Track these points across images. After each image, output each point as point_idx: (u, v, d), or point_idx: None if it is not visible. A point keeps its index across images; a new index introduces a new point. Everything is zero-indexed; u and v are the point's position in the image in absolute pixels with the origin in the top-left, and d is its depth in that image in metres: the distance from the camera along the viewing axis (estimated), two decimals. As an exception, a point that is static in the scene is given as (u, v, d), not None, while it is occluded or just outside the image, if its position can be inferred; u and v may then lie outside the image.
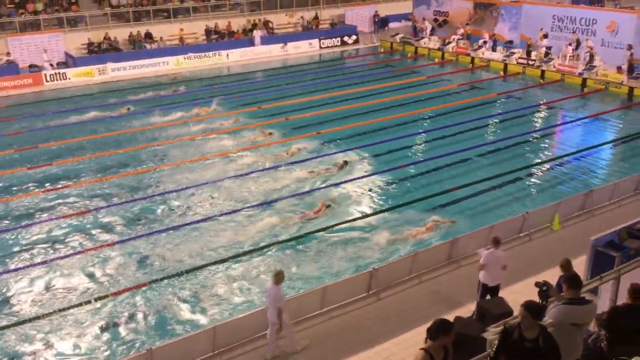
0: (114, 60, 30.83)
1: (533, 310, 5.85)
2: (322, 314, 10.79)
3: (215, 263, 12.82)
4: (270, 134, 20.85)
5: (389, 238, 13.44)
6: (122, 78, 30.03)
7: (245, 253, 13.24)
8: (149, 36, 33.17)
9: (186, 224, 14.51)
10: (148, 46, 32.83)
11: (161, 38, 33.27)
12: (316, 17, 38.03)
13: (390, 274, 11.54)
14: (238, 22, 36.01)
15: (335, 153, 18.85)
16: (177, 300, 11.63)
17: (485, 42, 31.74)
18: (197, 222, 14.61)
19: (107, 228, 14.58)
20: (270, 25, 36.36)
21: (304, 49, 35.81)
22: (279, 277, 9.46)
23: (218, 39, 34.63)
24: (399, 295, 11.41)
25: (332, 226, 14.16)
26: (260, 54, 34.37)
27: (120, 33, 32.79)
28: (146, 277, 12.40)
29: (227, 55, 33.45)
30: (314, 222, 14.48)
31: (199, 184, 16.76)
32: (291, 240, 13.64)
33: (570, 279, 6.28)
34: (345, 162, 17.74)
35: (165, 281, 12.18)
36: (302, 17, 37.75)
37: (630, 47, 25.73)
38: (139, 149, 19.84)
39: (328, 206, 14.98)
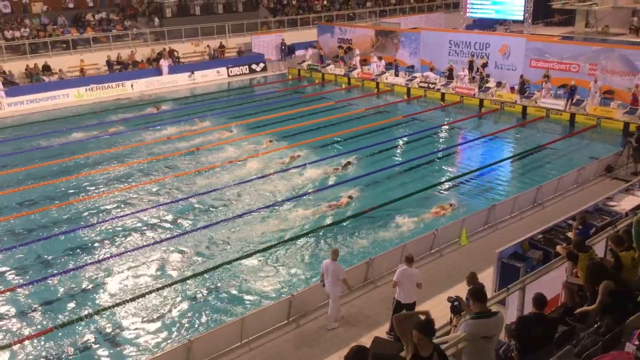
0: (10, 95, 29.24)
1: (426, 330, 5.95)
2: (242, 346, 10.57)
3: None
4: (270, 141, 22.57)
5: None
6: (19, 112, 28.51)
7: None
8: (47, 68, 31.74)
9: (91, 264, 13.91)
10: (46, 79, 31.40)
11: (60, 70, 31.96)
12: (222, 46, 37.93)
13: (309, 299, 11.54)
14: (142, 52, 35.28)
15: (249, 180, 18.78)
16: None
17: (380, 59, 33.58)
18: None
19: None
20: (176, 54, 35.91)
21: (212, 78, 35.60)
22: (336, 254, 11.05)
23: (121, 69, 33.73)
24: (319, 320, 11.39)
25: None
26: (167, 84, 33.79)
27: (16, 66, 31.14)
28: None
29: (132, 85, 32.63)
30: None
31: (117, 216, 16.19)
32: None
33: (475, 293, 6.44)
34: (349, 163, 19.91)
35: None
36: (208, 46, 37.57)
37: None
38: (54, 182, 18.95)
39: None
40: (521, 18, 36.87)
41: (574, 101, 25.11)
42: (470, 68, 29.82)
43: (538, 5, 39.79)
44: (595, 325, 7.14)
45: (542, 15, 44.48)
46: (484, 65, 29.42)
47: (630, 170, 18.28)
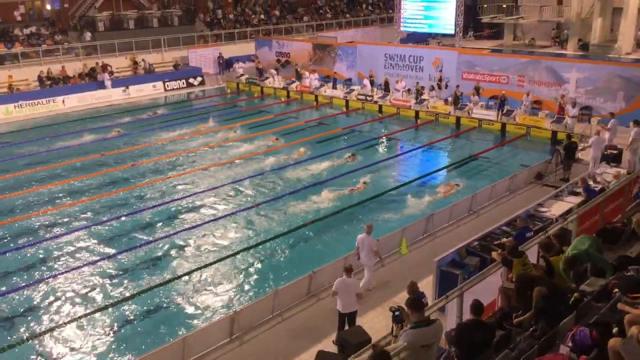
0: None
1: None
2: (184, 367, 10.37)
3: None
4: (277, 139, 24.31)
5: None
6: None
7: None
8: (-29, 85, 30.43)
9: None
10: (-29, 95, 30.07)
11: (-14, 87, 30.71)
12: (135, 63, 36.94)
13: (252, 316, 11.44)
14: (74, 67, 34.26)
15: (191, 195, 18.51)
16: None
17: (313, 72, 34.14)
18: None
19: None
20: (109, 68, 35.03)
21: (148, 92, 34.93)
22: (370, 228, 12.49)
23: (52, 85, 32.62)
24: (263, 336, 11.31)
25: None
26: (101, 99, 32.90)
27: (-61, 82, 29.77)
28: None
29: (63, 101, 31.59)
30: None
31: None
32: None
33: (412, 303, 6.53)
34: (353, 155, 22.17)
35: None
36: (143, 60, 36.88)
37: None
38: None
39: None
40: (452, 32, 38.14)
41: (504, 112, 26.06)
42: (440, 86, 30.15)
43: (468, 20, 41.27)
44: (531, 329, 7.39)
45: (473, 29, 46.09)
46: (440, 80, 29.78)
47: (559, 177, 19.09)
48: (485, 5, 43.82)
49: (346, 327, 10.64)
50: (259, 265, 14.28)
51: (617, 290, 7.60)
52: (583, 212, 12.14)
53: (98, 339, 11.47)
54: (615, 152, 19.34)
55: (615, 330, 6.25)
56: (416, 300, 6.61)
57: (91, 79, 33.96)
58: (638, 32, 39.92)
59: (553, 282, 8.31)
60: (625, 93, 24.79)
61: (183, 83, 36.57)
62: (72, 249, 15.33)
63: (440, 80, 28.14)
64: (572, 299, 7.84)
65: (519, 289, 8.08)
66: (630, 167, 18.01)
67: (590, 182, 15.21)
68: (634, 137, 18.47)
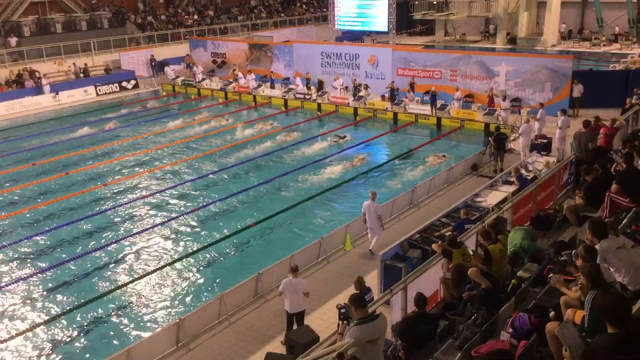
0: None
1: None
2: (131, 379, 10.12)
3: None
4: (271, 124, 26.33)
5: None
6: None
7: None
8: None
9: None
10: None
11: None
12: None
13: (198, 322, 11.29)
14: (-1, 74, 32.80)
15: (130, 202, 18.05)
16: None
17: (255, 75, 33.83)
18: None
19: None
20: (38, 74, 33.64)
21: (79, 97, 33.76)
22: (374, 195, 13.97)
23: (-24, 93, 31.08)
24: (210, 341, 11.18)
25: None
26: (29, 106, 31.55)
27: None
28: None
29: (-12, 110, 30.20)
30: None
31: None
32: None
33: (355, 300, 6.54)
34: (344, 137, 24.37)
35: None
36: (73, 64, 35.60)
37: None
38: None
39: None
40: (386, 29, 38.73)
41: (438, 106, 26.64)
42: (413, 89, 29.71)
43: (400, 17, 41.98)
44: (473, 318, 7.61)
45: (405, 26, 46.94)
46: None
47: (492, 169, 19.67)
48: (416, 2, 44.70)
49: (295, 327, 10.66)
50: (204, 270, 14.10)
51: (551, 275, 7.92)
52: (517, 201, 12.59)
53: (37, 356, 11.05)
54: (545, 141, 20.12)
55: (552, 314, 6.51)
56: (358, 297, 6.65)
57: (18, 86, 32.54)
58: (562, 25, 41.70)
59: (491, 270, 8.58)
60: (552, 84, 25.85)
61: (116, 87, 35.54)
62: (5, 262, 14.69)
63: (412, 83, 28.32)
64: (510, 285, 8.12)
65: (455, 277, 8.31)
66: (559, 155, 18.81)
67: (523, 171, 15.78)
68: (561, 125, 19.28)
